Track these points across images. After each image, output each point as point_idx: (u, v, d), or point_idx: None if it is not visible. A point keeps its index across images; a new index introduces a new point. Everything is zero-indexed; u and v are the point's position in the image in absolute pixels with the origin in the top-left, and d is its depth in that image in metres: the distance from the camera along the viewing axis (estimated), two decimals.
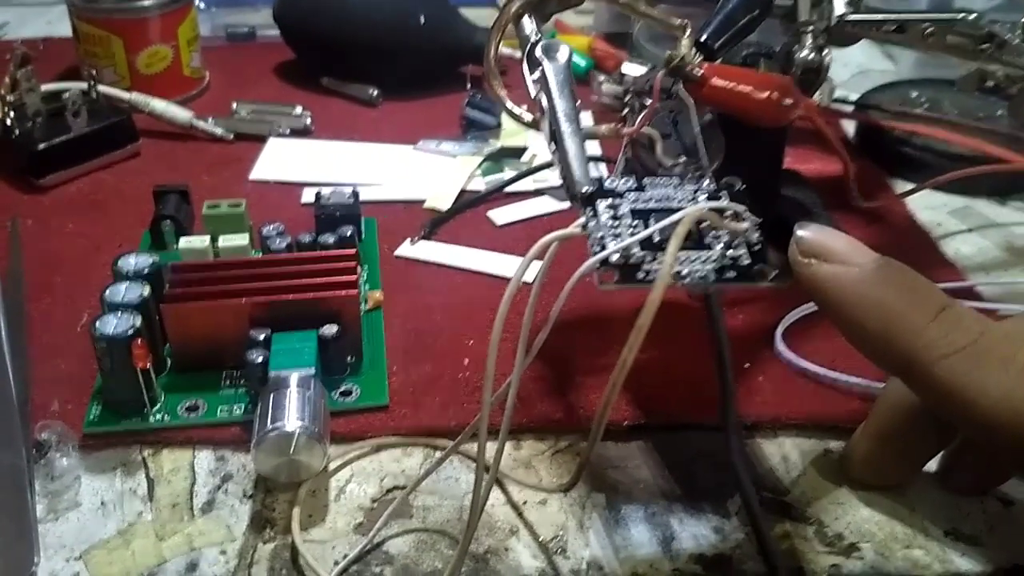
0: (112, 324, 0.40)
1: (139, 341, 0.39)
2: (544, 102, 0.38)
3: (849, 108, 0.67)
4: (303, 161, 0.63)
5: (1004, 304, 0.49)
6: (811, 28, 0.48)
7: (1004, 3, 0.74)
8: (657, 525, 0.37)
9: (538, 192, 0.59)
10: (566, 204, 0.56)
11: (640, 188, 0.36)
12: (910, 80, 0.70)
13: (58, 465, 0.38)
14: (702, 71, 0.39)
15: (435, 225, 0.55)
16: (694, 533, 0.37)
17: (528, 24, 0.42)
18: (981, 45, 0.48)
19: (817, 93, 0.48)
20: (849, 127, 0.67)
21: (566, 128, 0.36)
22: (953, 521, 0.38)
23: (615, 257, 0.32)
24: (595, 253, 0.33)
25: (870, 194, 0.57)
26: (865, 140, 0.66)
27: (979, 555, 0.36)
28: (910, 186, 0.59)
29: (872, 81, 0.71)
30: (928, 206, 0.59)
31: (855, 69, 0.76)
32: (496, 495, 0.38)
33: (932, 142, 0.61)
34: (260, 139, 0.65)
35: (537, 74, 0.39)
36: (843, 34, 0.48)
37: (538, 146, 0.64)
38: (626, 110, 0.48)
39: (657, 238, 0.33)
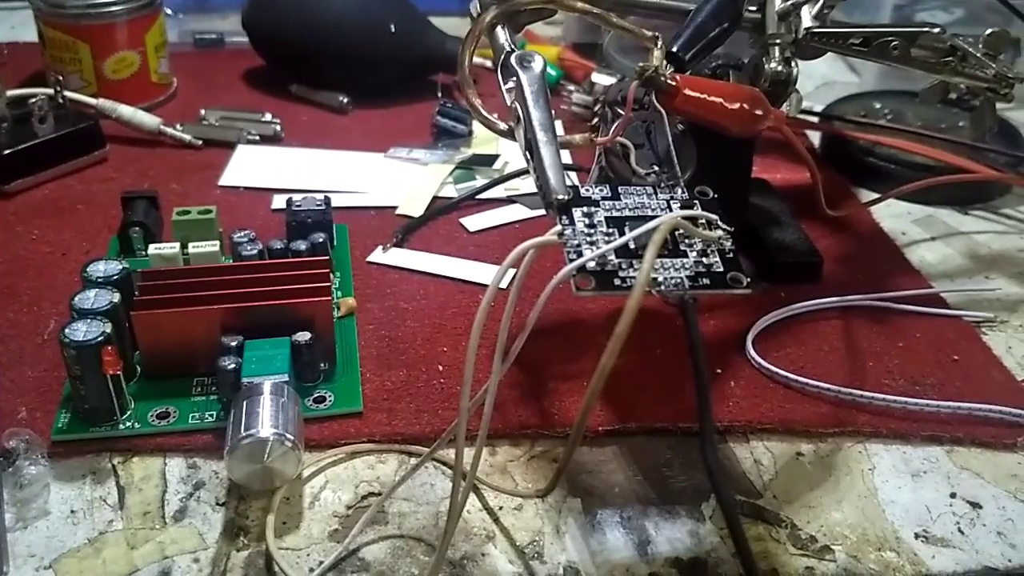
0: (82, 331, 0.39)
1: (109, 348, 0.39)
2: (519, 111, 0.38)
3: (814, 119, 0.68)
4: (273, 168, 0.63)
5: (969, 311, 0.50)
6: (779, 41, 0.48)
7: (964, 16, 0.76)
8: (633, 529, 0.38)
9: (510, 200, 0.59)
10: (537, 212, 0.56)
11: (615, 196, 0.36)
12: (873, 91, 0.72)
13: (27, 473, 0.38)
14: (675, 82, 0.39)
15: (407, 232, 0.55)
16: (669, 537, 0.37)
17: (501, 34, 0.42)
18: (945, 58, 0.49)
19: (785, 104, 0.49)
20: (814, 137, 0.68)
21: (541, 137, 0.37)
22: (923, 523, 0.38)
23: (592, 264, 0.33)
24: (571, 260, 0.33)
25: (835, 203, 0.58)
26: (830, 150, 0.67)
27: (950, 557, 0.37)
28: (874, 195, 0.60)
29: (836, 93, 0.72)
30: (892, 215, 0.60)
31: (819, 81, 0.78)
32: (472, 501, 0.38)
33: (896, 152, 0.63)
34: (229, 146, 0.65)
35: (511, 84, 0.39)
36: (810, 47, 0.49)
37: (510, 154, 0.64)
38: (596, 119, 0.48)
39: (632, 245, 0.33)
